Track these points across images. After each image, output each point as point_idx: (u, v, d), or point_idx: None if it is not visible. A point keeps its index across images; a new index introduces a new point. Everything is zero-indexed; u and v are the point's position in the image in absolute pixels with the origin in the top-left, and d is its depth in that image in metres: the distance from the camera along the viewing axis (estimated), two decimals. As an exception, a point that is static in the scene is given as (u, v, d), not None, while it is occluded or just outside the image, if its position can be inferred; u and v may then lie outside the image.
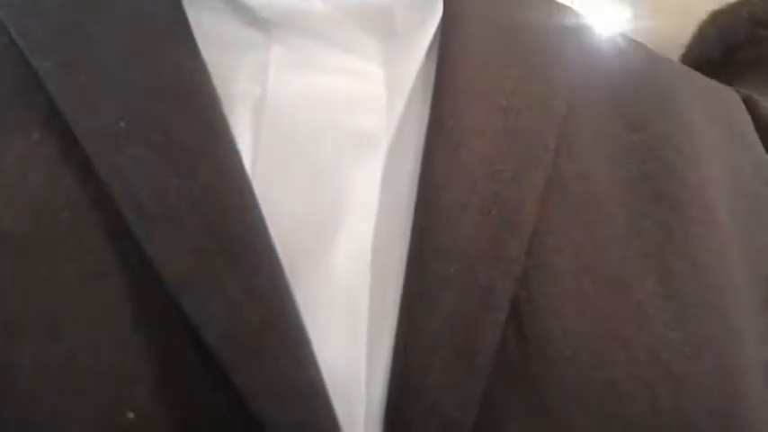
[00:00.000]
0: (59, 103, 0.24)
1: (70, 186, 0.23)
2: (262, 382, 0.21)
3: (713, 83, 0.35)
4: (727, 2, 0.46)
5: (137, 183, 0.23)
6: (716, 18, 0.46)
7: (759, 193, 0.31)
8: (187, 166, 0.23)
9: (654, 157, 0.29)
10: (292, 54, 0.27)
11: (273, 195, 0.24)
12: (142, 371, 0.21)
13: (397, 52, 0.28)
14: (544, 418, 0.23)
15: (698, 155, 0.30)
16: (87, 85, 0.24)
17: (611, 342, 0.24)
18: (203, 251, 0.22)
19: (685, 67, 0.36)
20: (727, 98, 0.34)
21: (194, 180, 0.23)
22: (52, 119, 0.24)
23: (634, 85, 0.31)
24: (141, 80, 0.24)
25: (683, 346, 0.25)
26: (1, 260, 0.22)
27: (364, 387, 0.23)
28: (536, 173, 0.26)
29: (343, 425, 0.22)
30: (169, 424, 0.21)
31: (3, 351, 0.21)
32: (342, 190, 0.25)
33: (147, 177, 0.23)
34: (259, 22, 0.27)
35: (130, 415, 0.21)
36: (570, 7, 0.33)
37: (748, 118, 0.34)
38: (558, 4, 0.33)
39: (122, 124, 0.23)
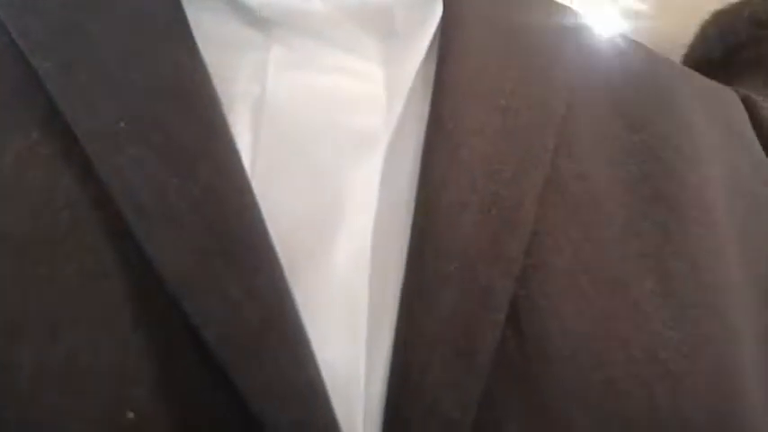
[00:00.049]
0: (59, 102, 0.24)
1: (70, 186, 0.23)
2: (261, 382, 0.21)
3: (712, 83, 0.35)
4: (729, 2, 0.46)
5: (137, 183, 0.23)
6: (717, 18, 0.46)
7: (757, 193, 0.31)
8: (187, 166, 0.23)
9: (654, 157, 0.29)
10: (292, 54, 0.27)
11: (273, 195, 0.24)
12: (142, 371, 0.21)
13: (397, 52, 0.28)
14: (543, 418, 0.23)
15: (698, 155, 0.30)
16: (87, 85, 0.24)
17: (609, 341, 0.24)
18: (203, 251, 0.22)
19: (685, 68, 0.36)
20: (726, 98, 0.34)
21: (194, 180, 0.23)
22: (52, 119, 0.24)
23: (634, 85, 0.31)
24: (141, 80, 0.24)
25: (681, 346, 0.25)
26: (1, 260, 0.22)
27: (363, 386, 0.23)
28: (535, 173, 0.26)
29: (343, 424, 0.22)
30: (169, 424, 0.21)
31: (3, 351, 0.21)
32: (341, 189, 0.25)
33: (147, 177, 0.23)
34: (259, 21, 0.27)
35: (130, 415, 0.21)
36: (570, 8, 0.33)
37: (747, 117, 0.34)
38: (558, 4, 0.33)
39: (122, 124, 0.23)
